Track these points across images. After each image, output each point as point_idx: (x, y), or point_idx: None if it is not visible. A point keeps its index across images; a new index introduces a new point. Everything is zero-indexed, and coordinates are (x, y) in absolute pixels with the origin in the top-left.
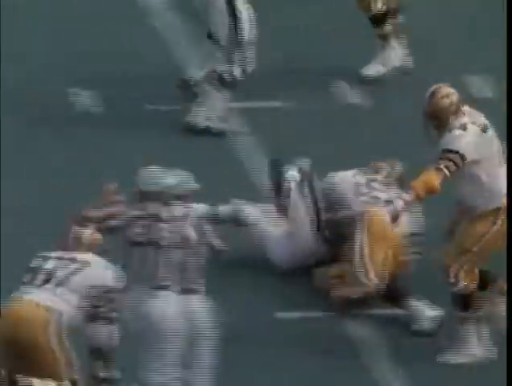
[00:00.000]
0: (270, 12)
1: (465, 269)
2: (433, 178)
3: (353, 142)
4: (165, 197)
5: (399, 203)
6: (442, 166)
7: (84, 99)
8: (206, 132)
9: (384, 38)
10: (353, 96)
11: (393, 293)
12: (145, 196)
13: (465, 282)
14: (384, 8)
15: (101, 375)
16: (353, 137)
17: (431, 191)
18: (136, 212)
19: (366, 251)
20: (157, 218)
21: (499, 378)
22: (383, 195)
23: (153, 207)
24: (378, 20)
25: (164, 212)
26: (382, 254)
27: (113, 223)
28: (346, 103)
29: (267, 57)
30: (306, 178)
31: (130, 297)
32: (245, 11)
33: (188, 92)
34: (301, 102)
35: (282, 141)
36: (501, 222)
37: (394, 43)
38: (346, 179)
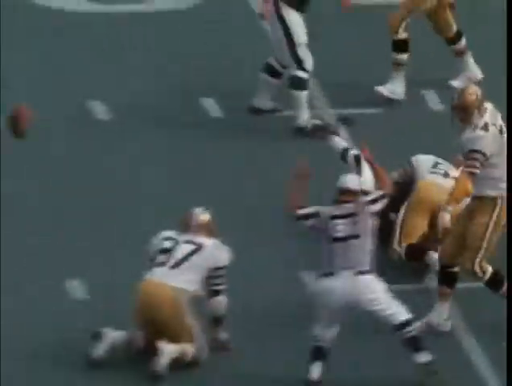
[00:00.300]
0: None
1: (483, 260)
2: (467, 185)
3: (439, 146)
4: (359, 194)
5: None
6: (472, 170)
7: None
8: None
9: (460, 54)
10: (439, 103)
11: (417, 251)
12: (345, 194)
13: (489, 270)
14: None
15: (222, 337)
16: (437, 141)
17: (467, 195)
18: (337, 211)
19: (403, 215)
20: (356, 213)
21: None
22: (453, 173)
23: (350, 205)
24: (452, 40)
25: (359, 207)
26: (419, 219)
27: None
28: (434, 109)
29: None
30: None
31: (337, 282)
32: (295, 16)
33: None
34: (393, 109)
35: (375, 145)
36: (498, 209)
37: (469, 57)
38: (426, 157)
